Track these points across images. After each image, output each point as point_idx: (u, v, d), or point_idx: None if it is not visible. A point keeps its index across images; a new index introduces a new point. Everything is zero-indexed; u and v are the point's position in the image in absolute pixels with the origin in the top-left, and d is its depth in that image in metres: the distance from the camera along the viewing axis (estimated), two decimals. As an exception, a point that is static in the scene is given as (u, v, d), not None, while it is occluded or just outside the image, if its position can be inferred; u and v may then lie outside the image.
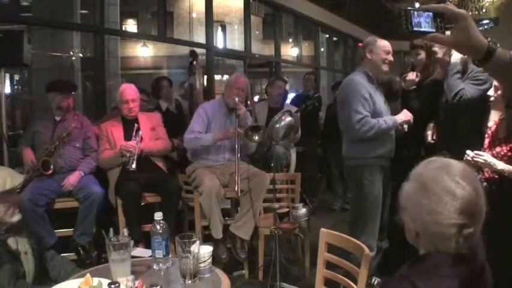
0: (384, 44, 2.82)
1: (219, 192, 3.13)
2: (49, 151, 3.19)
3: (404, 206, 1.09)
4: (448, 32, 1.00)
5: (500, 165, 2.18)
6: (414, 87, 3.10)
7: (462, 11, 0.98)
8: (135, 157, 3.23)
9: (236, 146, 3.13)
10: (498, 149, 2.27)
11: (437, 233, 1.01)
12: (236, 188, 2.94)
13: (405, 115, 2.79)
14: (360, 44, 2.95)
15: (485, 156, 2.21)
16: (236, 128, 3.17)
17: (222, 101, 3.50)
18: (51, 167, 3.15)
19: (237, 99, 3.27)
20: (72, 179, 3.19)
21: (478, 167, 2.27)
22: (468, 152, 2.26)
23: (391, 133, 2.83)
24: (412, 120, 2.79)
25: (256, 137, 3.17)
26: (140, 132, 3.37)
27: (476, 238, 1.03)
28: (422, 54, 3.10)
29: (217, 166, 3.34)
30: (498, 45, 0.99)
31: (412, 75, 3.06)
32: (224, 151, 3.40)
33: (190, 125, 3.44)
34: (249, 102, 4.61)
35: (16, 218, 1.82)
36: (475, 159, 2.23)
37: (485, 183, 2.23)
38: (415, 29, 0.98)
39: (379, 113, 2.76)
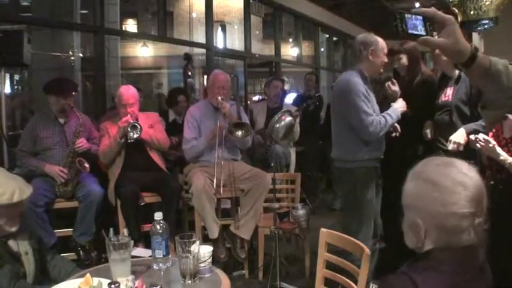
0: (384, 46, 2.75)
1: (207, 191, 3.12)
2: (73, 153, 3.24)
3: (411, 205, 1.08)
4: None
5: (504, 155, 2.21)
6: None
7: (449, 16, 1.02)
8: (134, 124, 3.23)
9: (217, 145, 3.21)
10: (504, 149, 2.28)
11: (451, 225, 1.01)
12: (215, 182, 3.10)
13: (401, 103, 2.77)
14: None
15: (491, 144, 2.24)
16: (218, 125, 3.22)
17: (207, 101, 3.51)
18: (86, 165, 3.20)
19: (220, 98, 3.28)
20: (85, 142, 3.28)
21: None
22: (477, 136, 2.28)
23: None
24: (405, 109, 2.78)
25: (239, 133, 3.22)
26: (135, 113, 3.36)
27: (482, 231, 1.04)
28: (404, 59, 3.11)
29: (213, 165, 3.33)
30: (479, 50, 1.04)
31: (394, 87, 3.02)
32: (220, 150, 3.40)
33: (184, 133, 3.46)
34: (249, 103, 4.61)
35: (15, 228, 1.81)
36: (481, 143, 2.25)
37: (492, 182, 2.24)
38: (411, 31, 1.01)
39: (376, 113, 2.71)
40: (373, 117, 2.60)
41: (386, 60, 2.77)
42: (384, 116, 2.65)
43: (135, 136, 3.23)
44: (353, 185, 2.72)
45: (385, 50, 2.76)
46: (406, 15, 1.00)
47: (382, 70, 2.81)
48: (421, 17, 1.03)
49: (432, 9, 1.02)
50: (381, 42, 2.74)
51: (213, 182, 3.20)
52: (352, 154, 2.70)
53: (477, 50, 1.03)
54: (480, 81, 1.10)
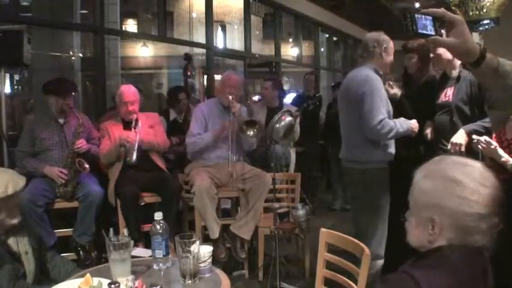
0: (393, 45, 2.73)
1: (209, 191, 3.13)
2: (73, 153, 3.23)
3: (427, 203, 1.05)
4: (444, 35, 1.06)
5: (506, 157, 2.20)
6: (400, 94, 3.08)
7: (458, 16, 1.04)
8: (135, 148, 3.21)
9: (229, 143, 3.22)
10: (506, 150, 2.28)
11: (471, 225, 1.01)
12: (232, 184, 3.16)
13: (415, 125, 2.68)
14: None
15: (493, 146, 2.23)
16: (231, 122, 3.23)
17: (217, 100, 3.52)
18: (86, 165, 3.20)
19: (230, 97, 3.29)
20: (85, 143, 3.28)
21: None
22: (479, 137, 2.27)
23: None
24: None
25: (251, 132, 3.20)
26: (140, 123, 3.35)
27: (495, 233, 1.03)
28: (416, 58, 3.11)
29: (215, 165, 3.34)
30: (487, 50, 1.06)
31: (392, 90, 3.00)
32: (223, 150, 3.40)
33: (190, 127, 3.47)
34: (249, 101, 4.64)
35: (16, 220, 1.82)
36: (482, 145, 2.24)
37: None
38: (420, 31, 1.02)
39: (390, 114, 2.65)
40: (384, 117, 2.50)
41: (393, 60, 2.73)
42: (395, 122, 2.56)
43: (133, 159, 3.20)
44: (369, 187, 2.60)
45: (393, 51, 2.74)
46: (416, 15, 1.01)
47: (388, 70, 2.78)
48: (430, 17, 1.04)
49: (442, 10, 1.04)
50: (391, 41, 2.72)
51: (214, 182, 3.21)
52: (366, 154, 2.60)
53: (486, 51, 1.05)
54: (488, 81, 1.12)
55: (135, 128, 3.33)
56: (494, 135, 2.39)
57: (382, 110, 2.50)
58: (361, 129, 2.55)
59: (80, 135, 3.29)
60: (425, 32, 1.02)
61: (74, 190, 3.18)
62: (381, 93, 2.54)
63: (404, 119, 2.68)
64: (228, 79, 3.44)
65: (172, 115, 4.44)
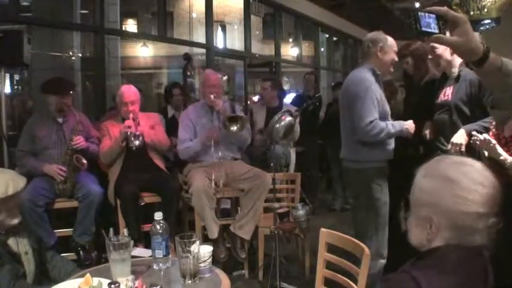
0: (393, 43, 2.72)
1: (207, 191, 3.13)
2: (71, 150, 3.24)
3: (425, 201, 1.06)
4: (447, 34, 1.06)
5: (504, 155, 2.20)
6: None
7: (462, 15, 1.05)
8: (137, 134, 3.22)
9: (212, 143, 3.26)
10: (504, 148, 2.27)
11: (467, 225, 1.01)
12: (213, 183, 3.16)
13: (411, 125, 2.69)
14: None
15: (492, 144, 2.22)
16: (213, 126, 3.26)
17: (202, 102, 3.53)
18: (84, 161, 3.21)
19: (212, 96, 3.31)
20: (82, 139, 3.27)
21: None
22: (478, 135, 2.27)
23: None
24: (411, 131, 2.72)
25: (235, 128, 3.21)
26: (138, 116, 3.36)
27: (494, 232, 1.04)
28: (410, 60, 3.14)
29: (212, 165, 3.34)
30: (490, 50, 1.06)
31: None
32: (218, 150, 3.39)
33: (178, 134, 3.48)
34: (248, 101, 4.63)
35: (16, 220, 1.82)
36: (478, 142, 2.24)
37: None
38: (424, 29, 1.02)
39: (386, 114, 2.66)
40: (374, 118, 2.52)
41: (394, 58, 2.73)
42: (386, 124, 2.57)
43: (137, 143, 3.23)
44: (367, 187, 2.61)
45: (395, 48, 2.73)
46: (419, 14, 1.02)
47: (392, 69, 2.77)
48: (434, 15, 1.04)
49: (445, 8, 1.04)
50: (390, 40, 2.71)
51: (212, 182, 3.21)
52: (365, 154, 2.61)
53: (489, 50, 1.05)
54: (490, 81, 1.12)
55: (133, 120, 3.33)
56: (490, 133, 2.38)
57: (373, 111, 2.52)
58: (354, 129, 2.58)
59: (77, 132, 3.29)
60: (429, 30, 1.03)
61: (72, 188, 3.18)
62: (372, 94, 2.54)
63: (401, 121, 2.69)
64: (207, 79, 3.45)
65: (170, 112, 4.44)
